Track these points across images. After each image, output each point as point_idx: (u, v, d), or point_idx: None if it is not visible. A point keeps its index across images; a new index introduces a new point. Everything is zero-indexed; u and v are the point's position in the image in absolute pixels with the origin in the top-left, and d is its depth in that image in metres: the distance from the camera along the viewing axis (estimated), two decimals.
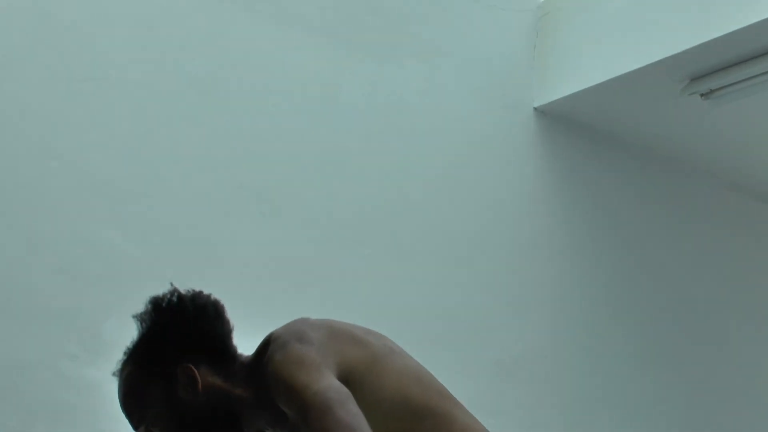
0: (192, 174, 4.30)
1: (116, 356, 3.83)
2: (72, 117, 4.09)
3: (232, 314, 4.14)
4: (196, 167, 4.31)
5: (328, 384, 2.25)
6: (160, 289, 4.03)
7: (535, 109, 5.20)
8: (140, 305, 3.99)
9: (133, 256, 4.11)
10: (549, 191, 5.22)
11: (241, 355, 2.52)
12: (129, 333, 3.84)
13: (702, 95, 4.85)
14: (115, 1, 4.21)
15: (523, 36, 5.22)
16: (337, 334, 2.42)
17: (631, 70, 4.82)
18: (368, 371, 2.39)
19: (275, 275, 4.38)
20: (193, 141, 4.32)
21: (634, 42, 4.82)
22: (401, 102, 4.75)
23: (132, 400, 2.42)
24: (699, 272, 5.65)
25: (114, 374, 2.52)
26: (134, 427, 2.44)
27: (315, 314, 4.21)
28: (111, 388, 3.79)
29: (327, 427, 2.17)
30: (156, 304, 2.47)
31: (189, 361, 2.41)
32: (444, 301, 4.60)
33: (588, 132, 5.27)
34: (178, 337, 2.44)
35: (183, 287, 4.04)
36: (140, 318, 2.48)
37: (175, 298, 2.47)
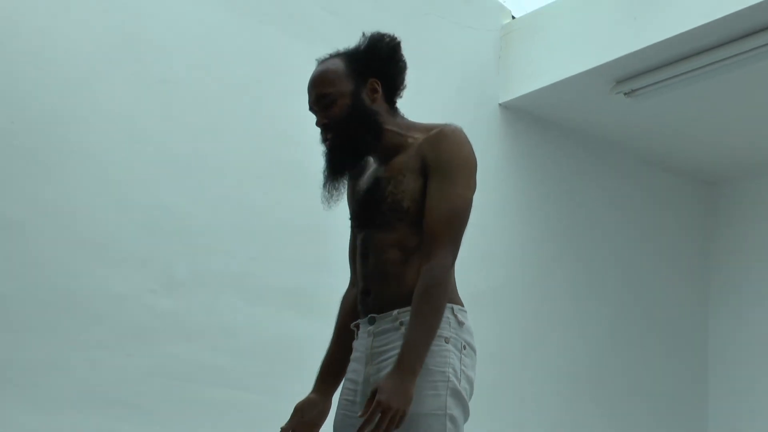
0: (245, 152, 4.38)
1: (185, 292, 4.18)
2: (151, 109, 4.17)
3: (271, 266, 4.39)
4: (248, 147, 4.39)
5: (471, 199, 2.32)
6: (219, 243, 4.29)
7: (500, 104, 5.27)
8: (202, 254, 4.21)
9: (196, 217, 4.22)
10: (511, 168, 5.33)
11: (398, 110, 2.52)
12: (196, 274, 4.24)
13: (625, 94, 4.96)
14: (180, 24, 4.29)
15: (490, 49, 5.29)
16: None
17: (571, 75, 4.93)
18: None
19: (308, 233, 4.42)
20: (247, 127, 4.40)
21: (573, 54, 4.97)
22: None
23: (330, 79, 2.40)
24: (622, 228, 5.74)
25: (317, 59, 2.49)
26: (319, 105, 2.42)
27: (329, 262, 4.20)
28: (181, 316, 4.14)
29: (452, 229, 2.26)
30: (381, 34, 2.46)
31: (379, 81, 2.44)
32: None
33: (540, 122, 5.43)
34: (382, 63, 2.44)
35: (235, 242, 4.33)
36: (367, 36, 2.47)
37: (395, 41, 2.45)
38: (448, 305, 2.28)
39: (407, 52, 4.68)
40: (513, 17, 5.29)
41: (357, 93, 2.38)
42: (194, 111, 4.26)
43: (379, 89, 2.42)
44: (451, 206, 2.26)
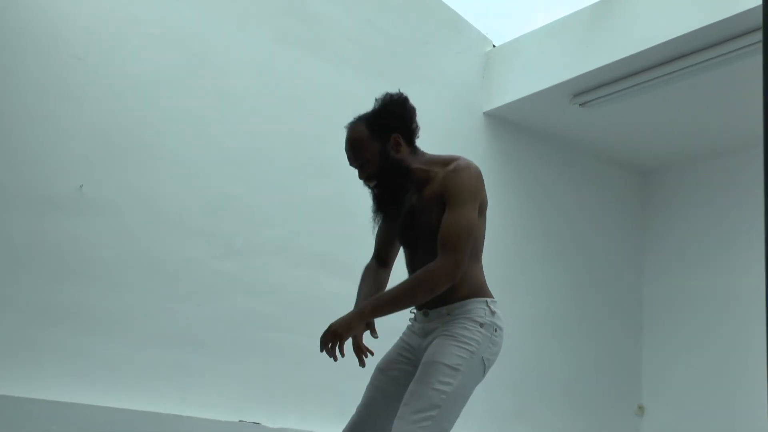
0: (288, 149, 4.54)
1: (242, 257, 4.30)
2: (215, 117, 4.32)
3: (307, 237, 4.49)
4: (290, 145, 4.55)
5: (474, 219, 2.31)
6: (267, 220, 4.30)
7: (484, 113, 5.41)
8: (255, 228, 4.30)
9: (250, 199, 4.41)
10: (492, 162, 5.40)
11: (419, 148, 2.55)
12: (250, 244, 4.28)
13: (580, 105, 5.20)
14: (237, 50, 4.42)
15: (476, 70, 5.43)
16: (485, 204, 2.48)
17: (538, 90, 5.15)
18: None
19: (336, 212, 4.54)
20: (289, 130, 4.54)
21: (540, 74, 5.22)
22: None
23: (359, 147, 2.38)
24: (578, 210, 5.93)
25: (345, 126, 2.45)
26: (358, 165, 2.42)
27: (352, 235, 4.22)
28: (238, 276, 4.18)
29: (458, 240, 2.25)
30: (390, 95, 2.41)
31: (399, 133, 2.40)
32: None
33: (515, 126, 5.60)
34: (396, 119, 2.39)
35: (280, 219, 4.37)
36: (379, 99, 2.43)
37: (402, 97, 2.42)
38: (483, 299, 2.38)
39: (412, 73, 5.20)
40: (494, 45, 5.48)
41: (384, 150, 2.39)
42: (248, 117, 4.43)
43: (401, 141, 2.41)
44: (458, 223, 2.29)
